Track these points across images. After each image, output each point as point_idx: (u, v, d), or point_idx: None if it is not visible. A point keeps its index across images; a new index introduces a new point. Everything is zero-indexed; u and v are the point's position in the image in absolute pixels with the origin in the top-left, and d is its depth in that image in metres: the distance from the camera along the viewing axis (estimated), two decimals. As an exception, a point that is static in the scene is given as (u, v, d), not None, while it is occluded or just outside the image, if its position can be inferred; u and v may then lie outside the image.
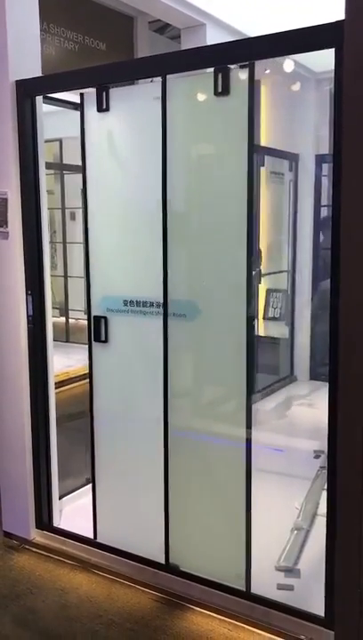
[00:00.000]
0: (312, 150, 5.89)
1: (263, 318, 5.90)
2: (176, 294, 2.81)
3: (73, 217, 5.57)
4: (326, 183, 5.92)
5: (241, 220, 2.59)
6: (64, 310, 5.68)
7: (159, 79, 2.69)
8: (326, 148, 5.52)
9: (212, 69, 2.56)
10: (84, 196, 3.03)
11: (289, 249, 5.98)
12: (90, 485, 3.26)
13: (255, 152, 5.55)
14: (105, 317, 3.04)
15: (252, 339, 2.69)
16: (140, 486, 3.09)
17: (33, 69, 3.14)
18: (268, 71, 5.12)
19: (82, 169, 3.03)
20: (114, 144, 2.94)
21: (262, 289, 5.86)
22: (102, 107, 2.90)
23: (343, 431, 2.24)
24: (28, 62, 3.13)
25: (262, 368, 5.80)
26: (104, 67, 3.19)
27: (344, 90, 2.13)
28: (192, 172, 2.79)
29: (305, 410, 5.28)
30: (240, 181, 2.57)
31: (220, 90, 2.56)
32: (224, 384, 2.86)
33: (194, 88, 2.68)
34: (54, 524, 3.43)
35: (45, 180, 3.25)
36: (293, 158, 5.92)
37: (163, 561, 3.00)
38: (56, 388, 3.46)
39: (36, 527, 3.43)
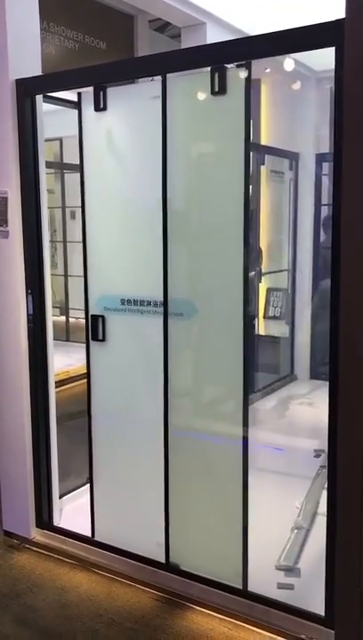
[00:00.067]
0: (313, 149, 5.90)
1: (264, 317, 5.91)
2: (173, 293, 2.81)
3: (73, 216, 5.57)
4: (326, 182, 5.92)
5: (238, 219, 2.59)
6: (64, 309, 5.69)
7: (159, 78, 2.69)
8: (326, 147, 5.52)
9: (208, 68, 2.56)
10: (81, 196, 3.04)
11: (289, 248, 5.98)
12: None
13: (256, 151, 5.59)
14: (102, 316, 3.04)
15: (249, 338, 2.68)
16: (137, 485, 3.09)
17: (33, 68, 3.14)
18: (268, 70, 5.12)
19: (80, 168, 3.03)
20: (111, 143, 2.94)
21: (263, 288, 5.87)
22: (100, 106, 2.90)
23: (344, 430, 2.24)
24: (29, 61, 3.13)
25: (262, 367, 5.80)
26: (104, 65, 3.19)
27: (345, 89, 2.13)
28: (189, 172, 2.78)
29: (305, 409, 5.28)
30: (237, 180, 2.57)
31: (216, 89, 2.56)
32: (221, 383, 2.86)
33: (191, 87, 2.68)
34: (54, 523, 3.43)
35: (46, 178, 3.25)
36: (293, 157, 5.93)
37: (163, 560, 3.00)
38: (56, 387, 3.46)
39: (37, 526, 3.44)
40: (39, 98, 3.15)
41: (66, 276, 5.66)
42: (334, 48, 2.20)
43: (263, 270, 5.75)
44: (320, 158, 5.89)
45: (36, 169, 3.18)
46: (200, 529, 2.91)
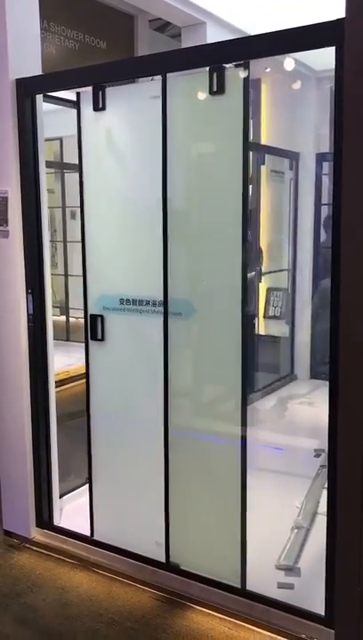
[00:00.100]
0: (313, 149, 5.90)
1: (264, 317, 5.91)
2: (172, 293, 2.82)
3: (73, 216, 5.58)
4: (326, 182, 5.93)
5: (236, 219, 2.60)
6: (64, 309, 5.69)
7: (159, 77, 2.69)
8: (326, 147, 5.51)
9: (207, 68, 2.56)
10: (80, 195, 3.04)
11: (290, 247, 5.98)
12: (90, 484, 3.27)
13: (256, 151, 5.59)
14: (101, 316, 3.05)
15: (247, 337, 2.68)
16: (135, 484, 3.09)
17: (33, 68, 3.14)
18: (268, 70, 5.13)
19: (78, 168, 3.03)
20: (110, 143, 2.94)
21: (263, 288, 5.87)
22: (98, 106, 2.90)
23: (344, 430, 2.24)
24: (29, 61, 3.13)
25: (262, 367, 5.81)
26: (105, 65, 3.19)
27: (345, 88, 2.13)
28: (188, 171, 2.78)
29: (305, 408, 5.28)
30: (235, 180, 2.57)
31: (215, 89, 2.56)
32: (220, 382, 2.87)
33: (190, 87, 2.68)
34: (55, 523, 3.43)
35: (46, 178, 3.25)
36: (293, 157, 5.93)
37: (163, 560, 3.00)
38: (56, 387, 3.46)
39: (37, 526, 3.44)
40: (39, 97, 3.15)
41: (66, 275, 5.66)
42: (334, 48, 2.20)
43: (263, 270, 5.75)
44: (320, 158, 5.89)
45: (37, 168, 3.18)
46: (200, 528, 2.91)
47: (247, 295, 2.68)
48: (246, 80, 2.50)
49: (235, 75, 2.52)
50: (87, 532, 3.27)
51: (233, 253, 2.62)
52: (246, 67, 2.49)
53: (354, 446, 2.20)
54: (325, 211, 5.93)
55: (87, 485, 3.28)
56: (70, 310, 5.63)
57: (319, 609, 2.57)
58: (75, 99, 3.00)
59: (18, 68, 3.07)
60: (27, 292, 3.24)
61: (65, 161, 5.50)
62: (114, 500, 3.19)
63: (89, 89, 2.91)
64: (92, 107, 2.92)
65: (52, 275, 3.40)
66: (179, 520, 2.95)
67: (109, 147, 2.95)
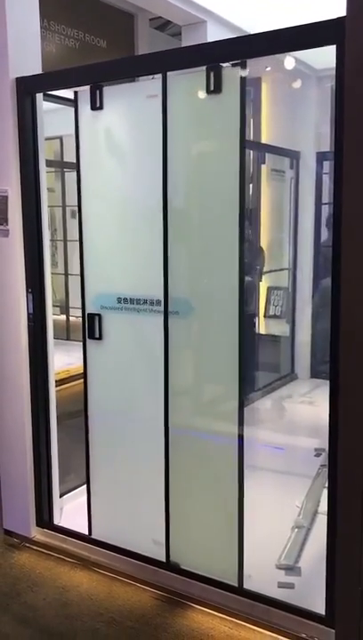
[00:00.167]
0: (313, 148, 5.89)
1: (264, 316, 5.91)
2: (169, 291, 2.81)
3: (74, 215, 5.55)
4: (327, 180, 5.92)
5: (233, 217, 2.59)
6: (65, 308, 5.69)
7: (159, 76, 2.68)
8: (327, 146, 5.51)
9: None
10: (78, 194, 3.04)
11: (290, 247, 5.98)
12: (90, 483, 3.27)
13: (256, 150, 5.58)
14: (99, 315, 3.04)
15: (245, 336, 2.68)
16: (132, 483, 3.09)
17: (33, 67, 3.14)
18: (269, 68, 5.12)
19: (76, 166, 3.03)
20: (108, 142, 2.94)
21: (263, 287, 5.87)
22: (96, 105, 2.90)
23: (344, 429, 2.24)
24: (29, 59, 3.13)
25: (262, 366, 5.80)
26: (105, 64, 3.18)
27: (345, 87, 2.13)
28: (185, 171, 2.77)
29: (306, 408, 5.28)
30: (232, 179, 2.56)
31: (212, 88, 2.56)
32: (217, 381, 2.86)
33: (188, 86, 2.67)
34: (55, 522, 3.43)
35: (46, 177, 3.25)
36: (294, 156, 5.92)
37: (163, 559, 3.00)
38: (57, 386, 3.46)
39: (37, 525, 3.44)
40: (39, 96, 3.14)
41: (66, 274, 5.66)
42: (334, 46, 2.19)
43: (264, 269, 5.75)
44: (321, 157, 5.89)
45: (37, 167, 3.17)
46: (199, 528, 2.91)
47: (245, 294, 2.67)
48: (242, 79, 2.50)
49: (232, 74, 2.51)
50: (85, 531, 3.27)
51: (230, 252, 2.62)
52: (244, 66, 2.48)
53: (355, 445, 2.20)
54: (325, 210, 5.93)
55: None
56: (70, 309, 5.62)
57: (320, 608, 2.57)
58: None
59: (18, 66, 3.07)
60: (27, 291, 3.23)
61: (65, 160, 5.49)
62: (111, 498, 3.19)
63: (86, 88, 2.91)
64: (89, 106, 2.92)
65: (52, 274, 3.40)
66: (179, 519, 2.95)
67: (107, 146, 2.95)
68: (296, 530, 3.29)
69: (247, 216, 5.42)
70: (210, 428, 2.87)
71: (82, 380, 3.20)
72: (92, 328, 3.07)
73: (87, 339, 3.10)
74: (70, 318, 5.57)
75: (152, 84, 2.71)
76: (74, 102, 2.98)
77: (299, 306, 6.01)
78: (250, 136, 5.81)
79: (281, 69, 5.02)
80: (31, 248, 3.21)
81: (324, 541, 2.51)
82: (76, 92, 2.96)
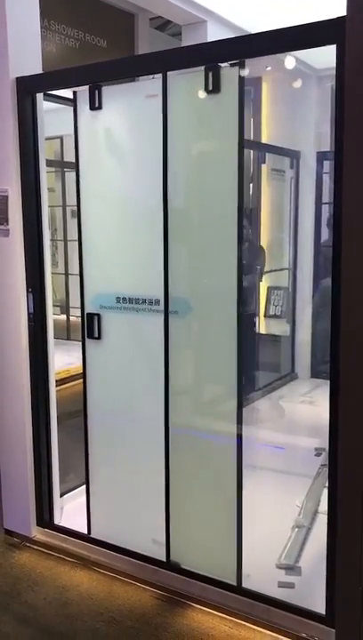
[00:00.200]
0: (314, 147, 5.89)
1: (264, 316, 5.91)
2: (169, 291, 2.81)
3: (74, 214, 5.55)
4: (327, 180, 5.92)
5: (232, 217, 2.59)
6: (65, 308, 5.69)
7: (160, 76, 2.68)
8: (327, 145, 5.51)
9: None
10: (77, 194, 3.04)
11: (290, 246, 5.98)
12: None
13: (257, 149, 5.58)
14: (98, 314, 3.05)
15: (243, 336, 2.68)
16: (131, 483, 3.10)
17: (33, 66, 3.14)
18: (269, 68, 5.12)
19: (75, 166, 3.03)
20: (106, 142, 2.94)
21: (264, 286, 5.87)
22: (95, 105, 2.90)
23: (344, 429, 2.24)
24: (29, 59, 3.13)
25: (263, 366, 5.80)
26: (105, 64, 3.18)
27: (346, 87, 2.13)
28: (184, 170, 2.77)
29: (306, 407, 5.28)
30: (231, 179, 2.56)
31: (211, 87, 2.56)
32: (216, 381, 2.86)
33: (188, 85, 2.67)
34: (55, 522, 3.43)
35: (46, 177, 3.25)
36: (294, 155, 5.92)
37: (163, 558, 3.00)
38: (57, 386, 3.46)
39: (37, 525, 3.44)
40: (39, 96, 3.14)
41: (66, 274, 5.66)
42: (335, 46, 2.19)
43: (265, 269, 5.75)
44: (321, 156, 5.89)
45: (37, 167, 3.17)
46: (200, 527, 2.91)
47: (245, 294, 2.67)
48: (241, 79, 2.50)
49: (230, 73, 2.51)
50: (86, 531, 3.27)
51: (229, 252, 2.62)
52: (242, 65, 2.48)
53: (355, 445, 2.20)
54: (326, 209, 5.93)
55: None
56: (71, 309, 5.63)
57: (320, 608, 2.57)
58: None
59: (18, 66, 3.07)
60: (27, 291, 3.23)
61: (65, 159, 5.49)
62: (111, 498, 3.19)
63: (85, 88, 2.91)
64: (88, 106, 2.92)
65: (52, 273, 3.40)
66: (179, 519, 2.95)
67: (106, 145, 2.95)
68: (297, 529, 3.29)
69: (248, 216, 5.42)
70: (210, 428, 2.87)
71: (82, 380, 3.21)
72: (91, 328, 3.07)
73: (86, 338, 3.10)
74: (71, 318, 5.57)
75: (152, 83, 2.71)
76: (73, 102, 2.98)
77: (299, 306, 6.01)
78: (250, 136, 5.81)
79: (281, 69, 5.02)
80: (31, 248, 3.21)
81: (324, 541, 2.51)
82: (74, 92, 2.96)
